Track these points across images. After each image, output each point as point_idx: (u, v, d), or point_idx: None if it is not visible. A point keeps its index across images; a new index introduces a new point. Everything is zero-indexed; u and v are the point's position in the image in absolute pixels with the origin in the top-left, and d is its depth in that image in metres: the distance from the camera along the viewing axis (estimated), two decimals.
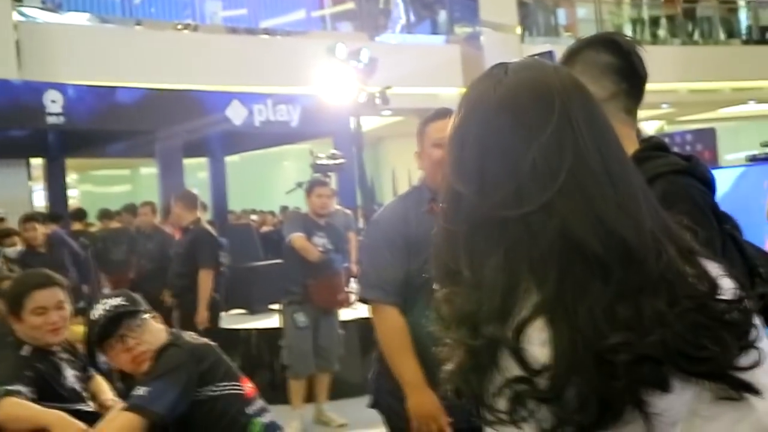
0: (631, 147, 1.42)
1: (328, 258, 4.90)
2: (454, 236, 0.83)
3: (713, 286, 0.78)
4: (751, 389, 0.75)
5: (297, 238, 4.87)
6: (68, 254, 6.94)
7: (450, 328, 0.81)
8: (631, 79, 1.50)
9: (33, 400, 2.23)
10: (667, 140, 11.26)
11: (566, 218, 0.76)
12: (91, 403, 2.52)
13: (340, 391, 5.26)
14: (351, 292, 5.36)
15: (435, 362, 1.98)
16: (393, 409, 2.39)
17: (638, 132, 1.60)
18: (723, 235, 1.37)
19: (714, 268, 0.81)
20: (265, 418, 2.32)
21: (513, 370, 0.75)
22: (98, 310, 2.30)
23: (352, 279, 5.37)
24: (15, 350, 2.41)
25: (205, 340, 2.42)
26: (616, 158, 0.82)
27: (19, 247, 6.81)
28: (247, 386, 2.35)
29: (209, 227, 5.91)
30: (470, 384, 0.79)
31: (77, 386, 2.50)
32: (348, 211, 6.23)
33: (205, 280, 5.25)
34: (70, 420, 2.26)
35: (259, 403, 2.35)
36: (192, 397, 2.17)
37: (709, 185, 1.40)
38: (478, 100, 0.86)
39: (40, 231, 6.65)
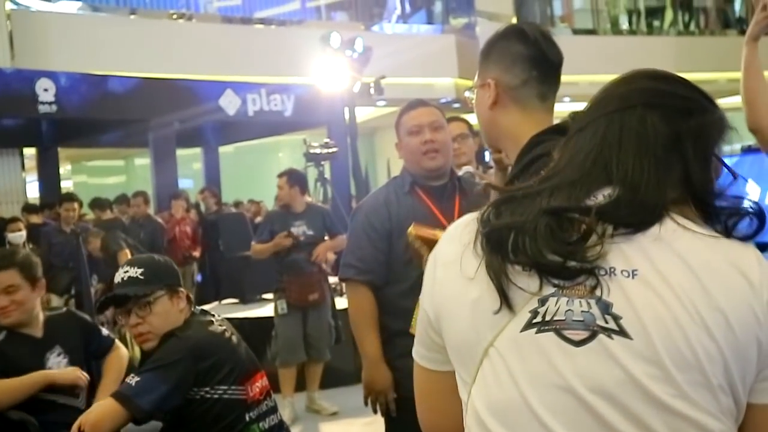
0: None
1: (300, 258, 4.87)
2: None
3: None
4: None
5: (253, 248, 5.11)
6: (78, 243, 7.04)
7: None
8: (541, 66, 1.55)
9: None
10: None
11: None
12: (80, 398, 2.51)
13: (332, 379, 5.26)
14: (334, 288, 5.42)
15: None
16: None
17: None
18: None
19: None
20: (267, 423, 2.22)
21: None
22: (118, 275, 2.21)
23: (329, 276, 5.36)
24: None
25: (224, 328, 2.24)
26: None
27: (23, 233, 6.96)
28: (255, 387, 2.22)
29: None
30: None
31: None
32: (325, 206, 6.14)
33: None
34: (57, 371, 2.30)
35: (265, 405, 2.24)
36: (186, 395, 2.09)
37: None
38: None
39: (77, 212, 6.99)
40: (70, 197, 7.39)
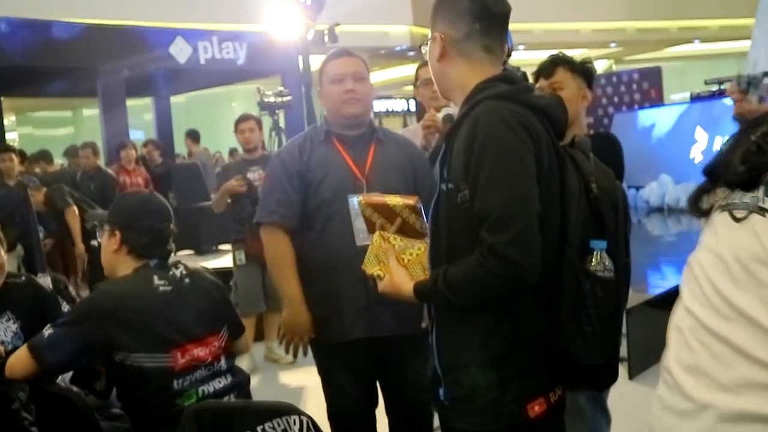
0: None
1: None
2: None
3: None
4: None
5: (213, 202, 5.04)
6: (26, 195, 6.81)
7: None
8: (484, 18, 1.60)
9: None
10: (614, 79, 11.43)
11: None
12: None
13: None
14: None
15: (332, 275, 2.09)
16: None
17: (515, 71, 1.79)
18: (559, 153, 1.54)
19: None
20: (213, 386, 2.10)
21: None
22: None
23: None
24: None
25: (169, 289, 2.08)
26: None
27: None
28: (190, 354, 2.05)
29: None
30: None
31: (8, 342, 2.34)
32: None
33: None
34: None
35: (207, 370, 2.09)
36: (104, 355, 2.02)
37: (537, 109, 1.53)
38: None
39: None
40: (7, 148, 7.12)
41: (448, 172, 1.53)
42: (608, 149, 2.35)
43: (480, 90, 1.55)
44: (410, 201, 1.81)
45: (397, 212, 1.81)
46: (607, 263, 1.51)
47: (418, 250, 1.69)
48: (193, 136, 9.89)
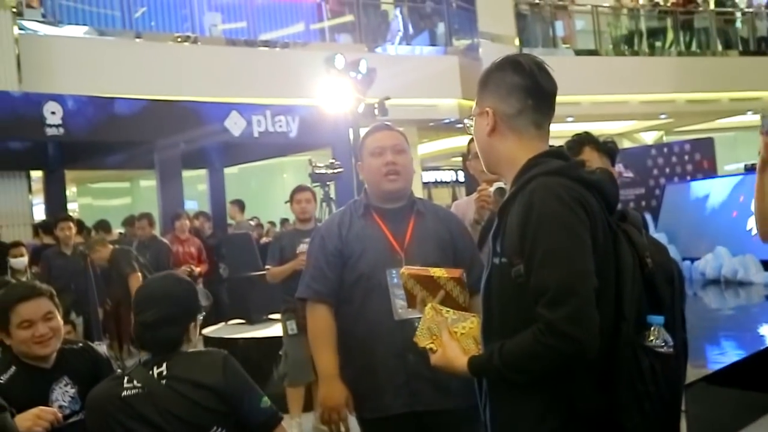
0: None
1: None
2: None
3: None
4: None
5: (269, 274, 5.10)
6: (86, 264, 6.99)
7: None
8: (536, 95, 1.62)
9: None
10: (665, 150, 11.31)
11: None
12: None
13: None
14: None
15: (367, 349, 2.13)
16: None
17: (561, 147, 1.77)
18: (612, 228, 1.53)
19: None
20: None
21: None
22: None
23: None
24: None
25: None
26: None
27: (25, 259, 6.93)
28: None
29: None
30: None
31: (66, 407, 2.39)
32: None
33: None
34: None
35: None
36: None
37: (588, 185, 1.53)
38: None
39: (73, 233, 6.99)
40: (66, 217, 7.36)
41: (501, 247, 1.54)
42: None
43: (533, 165, 1.56)
44: (455, 273, 1.81)
45: (441, 285, 1.80)
46: (666, 338, 1.48)
47: (471, 323, 1.69)
48: (239, 204, 10.09)
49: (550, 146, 1.67)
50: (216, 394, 2.03)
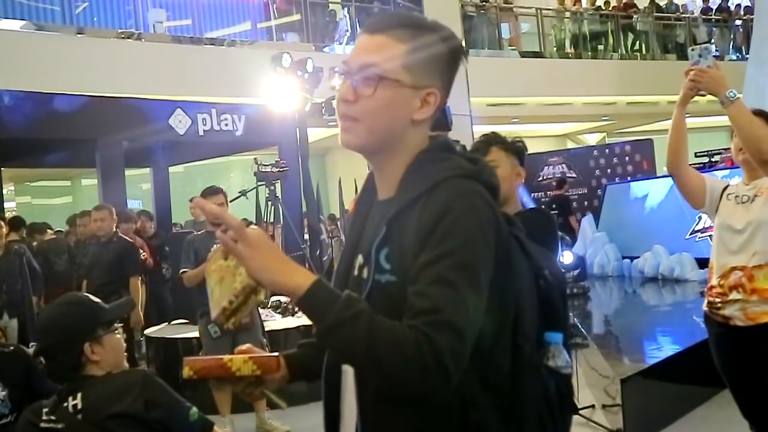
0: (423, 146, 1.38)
1: None
2: None
3: None
4: None
5: (185, 277, 5.02)
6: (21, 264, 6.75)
7: None
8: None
9: None
10: (607, 150, 11.60)
11: None
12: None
13: (283, 398, 5.23)
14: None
15: None
16: None
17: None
18: (510, 239, 1.32)
19: None
20: None
21: None
22: None
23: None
24: None
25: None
26: None
27: None
28: None
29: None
30: None
31: None
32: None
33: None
34: None
35: None
36: None
37: (492, 189, 1.32)
38: None
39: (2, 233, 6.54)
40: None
41: (389, 261, 1.29)
42: (542, 225, 2.29)
43: (430, 160, 1.35)
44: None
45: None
46: (566, 357, 1.34)
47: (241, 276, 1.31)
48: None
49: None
50: (135, 420, 1.94)
